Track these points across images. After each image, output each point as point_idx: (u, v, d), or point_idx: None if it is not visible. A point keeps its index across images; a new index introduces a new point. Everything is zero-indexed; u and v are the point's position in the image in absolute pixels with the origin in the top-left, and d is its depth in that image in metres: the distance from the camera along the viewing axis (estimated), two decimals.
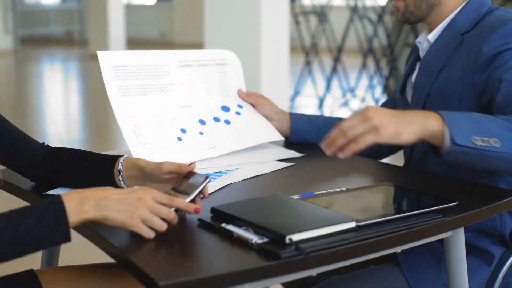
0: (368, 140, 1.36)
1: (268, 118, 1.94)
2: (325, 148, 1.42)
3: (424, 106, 1.71)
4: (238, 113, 1.87)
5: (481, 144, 1.36)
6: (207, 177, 1.35)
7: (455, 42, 1.69)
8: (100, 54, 1.68)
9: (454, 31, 1.71)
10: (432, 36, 1.75)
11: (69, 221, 1.17)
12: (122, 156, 1.47)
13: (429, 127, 1.39)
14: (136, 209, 1.21)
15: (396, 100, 1.93)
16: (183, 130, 1.73)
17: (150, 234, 1.21)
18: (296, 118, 1.96)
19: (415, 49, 1.87)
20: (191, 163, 1.40)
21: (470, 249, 1.63)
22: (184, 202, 1.28)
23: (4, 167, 1.56)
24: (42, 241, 1.16)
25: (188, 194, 1.32)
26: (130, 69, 1.71)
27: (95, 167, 1.48)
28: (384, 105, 1.99)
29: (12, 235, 1.13)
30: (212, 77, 1.88)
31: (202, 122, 1.79)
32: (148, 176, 1.41)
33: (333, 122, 1.93)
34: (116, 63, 1.69)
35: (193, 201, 1.32)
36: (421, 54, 1.80)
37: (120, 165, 1.45)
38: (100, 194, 1.21)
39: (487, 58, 1.60)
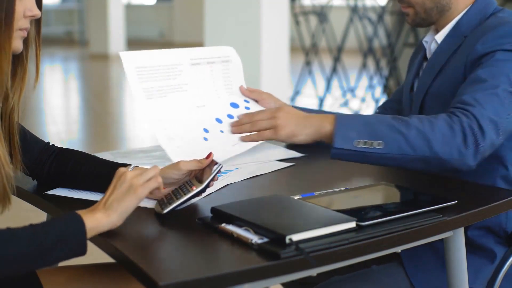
0: (266, 136, 1.57)
1: None
2: (231, 126, 1.61)
3: (422, 105, 1.73)
4: (247, 108, 1.86)
5: (362, 146, 1.47)
6: (220, 165, 1.41)
7: (457, 44, 1.70)
8: (123, 55, 1.66)
9: (459, 33, 1.71)
10: (440, 37, 1.76)
11: (86, 232, 1.20)
12: (130, 165, 1.48)
13: (322, 130, 1.53)
14: (131, 182, 1.25)
15: (397, 101, 1.93)
16: (206, 130, 1.73)
17: (158, 179, 1.29)
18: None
19: (420, 47, 1.87)
20: (209, 154, 1.44)
21: (474, 248, 1.63)
22: (155, 170, 1.31)
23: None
24: (60, 254, 1.17)
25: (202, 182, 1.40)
26: (150, 70, 1.70)
27: (101, 172, 1.48)
28: (385, 105, 1.99)
29: (37, 246, 1.14)
30: (218, 75, 1.88)
31: (219, 120, 1.77)
32: (165, 181, 1.42)
33: None
34: (138, 64, 1.67)
35: (207, 187, 1.40)
36: (428, 53, 1.80)
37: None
38: (102, 202, 1.25)
39: (478, 56, 1.61)
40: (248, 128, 1.60)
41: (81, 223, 1.19)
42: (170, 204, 1.35)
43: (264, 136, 1.57)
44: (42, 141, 1.58)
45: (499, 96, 1.52)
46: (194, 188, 1.38)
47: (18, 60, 1.41)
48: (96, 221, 1.21)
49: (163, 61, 1.75)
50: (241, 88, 1.92)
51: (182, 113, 1.72)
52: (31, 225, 1.16)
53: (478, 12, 1.71)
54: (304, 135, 1.54)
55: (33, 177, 1.57)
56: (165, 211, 1.34)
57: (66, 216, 1.20)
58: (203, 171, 1.43)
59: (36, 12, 1.35)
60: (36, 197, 1.51)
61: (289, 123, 1.54)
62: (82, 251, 1.19)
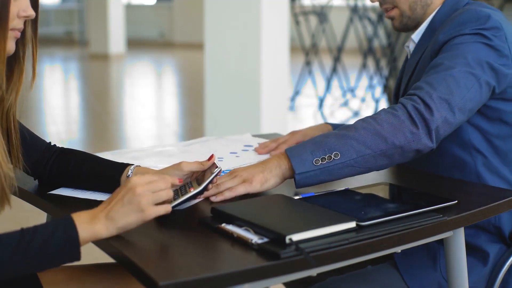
0: (240, 190, 1.46)
1: None
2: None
3: None
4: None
5: (321, 163, 1.46)
6: (219, 169, 1.40)
7: (429, 40, 1.71)
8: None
9: (433, 29, 1.73)
10: (416, 36, 1.77)
11: (80, 240, 1.17)
12: (132, 164, 1.48)
13: (282, 166, 1.49)
14: (139, 200, 1.20)
15: None
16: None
17: (168, 208, 1.23)
18: None
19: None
20: (210, 156, 1.43)
21: (466, 248, 1.63)
22: (172, 178, 1.29)
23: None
24: (52, 259, 1.16)
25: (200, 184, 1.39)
26: None
27: (103, 172, 1.48)
28: None
29: (23, 252, 1.13)
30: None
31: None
32: None
33: None
34: None
35: (205, 189, 1.39)
36: (409, 56, 1.82)
37: (130, 172, 1.46)
38: (105, 210, 1.21)
39: (439, 46, 1.62)
40: (214, 192, 1.48)
41: (75, 232, 1.16)
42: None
43: (237, 191, 1.47)
44: (44, 141, 1.58)
45: (454, 76, 1.52)
46: (192, 189, 1.37)
47: (15, 61, 1.41)
48: (94, 232, 1.18)
49: None
50: (257, 149, 1.87)
51: None
52: (22, 230, 1.15)
53: (450, 7, 1.72)
54: (273, 177, 1.49)
55: (35, 177, 1.57)
56: None
57: (61, 222, 1.18)
58: (204, 173, 1.43)
59: (31, 13, 1.35)
60: (36, 197, 1.51)
61: (255, 173, 1.48)
62: (76, 258, 1.17)
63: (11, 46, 1.35)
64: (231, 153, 1.85)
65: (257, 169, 1.49)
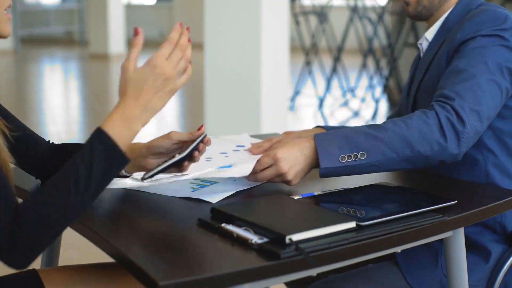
0: (280, 182, 1.53)
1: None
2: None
3: (415, 102, 1.76)
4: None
5: (347, 160, 1.49)
6: (204, 135, 1.41)
7: (443, 38, 1.72)
8: None
9: (447, 27, 1.73)
10: (429, 34, 1.77)
11: (121, 146, 1.21)
12: None
13: (312, 156, 1.52)
14: (173, 82, 1.26)
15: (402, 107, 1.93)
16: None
17: (188, 73, 1.32)
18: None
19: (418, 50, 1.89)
20: (200, 126, 1.45)
21: (469, 245, 1.63)
22: (185, 40, 1.41)
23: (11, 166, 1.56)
24: (105, 177, 1.19)
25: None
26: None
27: None
28: (393, 117, 1.99)
29: (78, 191, 1.16)
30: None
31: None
32: (156, 150, 1.44)
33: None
34: None
35: (190, 157, 1.40)
36: (421, 54, 1.81)
37: None
38: (139, 106, 1.24)
39: (457, 45, 1.64)
40: (254, 180, 1.55)
41: (112, 145, 1.20)
42: (151, 171, 1.36)
43: (275, 182, 1.55)
44: (44, 139, 1.58)
45: (480, 85, 1.55)
46: (177, 155, 1.38)
47: None
48: (133, 133, 1.24)
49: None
50: (250, 149, 1.84)
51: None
52: (65, 168, 1.18)
53: (464, 8, 1.73)
54: (307, 172, 1.55)
55: (36, 176, 1.57)
56: (146, 176, 1.35)
57: (95, 140, 1.22)
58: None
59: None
60: None
61: (297, 173, 1.52)
62: (126, 162, 1.22)
63: (8, 29, 1.36)
64: (221, 153, 1.84)
65: (298, 168, 1.51)
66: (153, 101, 1.24)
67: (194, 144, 1.39)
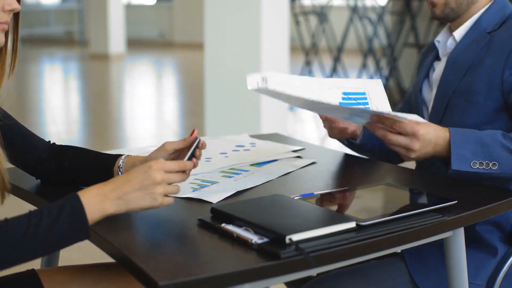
0: (397, 150, 1.53)
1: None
2: (370, 126, 1.54)
3: (448, 103, 1.73)
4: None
5: (478, 167, 1.51)
6: (198, 139, 1.41)
7: (482, 41, 1.71)
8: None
9: (480, 30, 1.73)
10: (459, 35, 1.76)
11: (88, 218, 1.19)
12: (123, 155, 1.50)
13: (438, 150, 1.53)
14: (156, 189, 1.24)
15: (411, 103, 1.92)
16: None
17: (171, 200, 1.27)
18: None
19: (430, 48, 1.87)
20: (193, 131, 1.44)
21: (478, 243, 1.64)
22: (190, 163, 1.33)
23: (11, 167, 1.57)
24: (62, 240, 1.18)
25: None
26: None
27: (96, 164, 1.50)
28: (400, 111, 1.98)
29: (32, 236, 1.14)
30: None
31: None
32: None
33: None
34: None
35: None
36: (442, 52, 1.81)
37: (121, 161, 1.48)
38: (118, 190, 1.23)
39: None
40: (381, 135, 1.53)
41: (82, 212, 1.18)
42: None
43: (395, 148, 1.54)
44: (43, 140, 1.58)
45: None
46: None
47: None
48: (102, 210, 1.21)
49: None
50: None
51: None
52: (29, 213, 1.16)
53: (498, 11, 1.74)
54: (429, 158, 1.56)
55: (36, 176, 1.57)
56: None
57: (67, 203, 1.19)
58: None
59: (15, 6, 1.36)
60: (36, 197, 1.51)
61: (419, 155, 1.53)
62: (86, 237, 1.19)
63: (0, 39, 1.36)
64: (220, 153, 1.84)
65: (428, 149, 1.52)
66: (131, 195, 1.23)
67: (190, 152, 1.39)
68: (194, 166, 1.39)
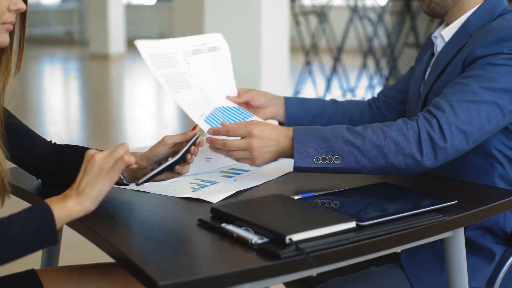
0: (242, 162, 1.56)
1: (264, 106, 1.92)
2: (207, 140, 1.57)
3: (425, 102, 1.73)
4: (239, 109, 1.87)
5: (321, 162, 1.52)
6: (196, 136, 1.41)
7: (462, 42, 1.68)
8: (138, 43, 1.70)
9: (466, 31, 1.69)
10: (447, 33, 1.74)
11: (56, 220, 1.18)
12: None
13: (281, 150, 1.54)
14: (100, 164, 1.22)
15: (399, 90, 1.92)
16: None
17: (131, 159, 1.24)
18: (290, 103, 1.95)
19: (429, 42, 1.86)
20: (194, 127, 1.45)
21: (473, 247, 1.63)
22: (123, 148, 1.27)
23: (11, 167, 1.57)
24: (31, 244, 1.17)
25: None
26: (158, 57, 1.71)
27: None
28: (385, 92, 1.97)
29: (0, 241, 1.14)
30: (208, 65, 1.87)
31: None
32: (154, 158, 1.44)
33: (326, 106, 1.95)
34: (151, 52, 1.69)
35: (183, 159, 1.40)
36: (435, 49, 1.79)
37: None
38: (73, 187, 1.23)
39: (475, 58, 1.59)
40: (224, 154, 1.57)
41: (49, 213, 1.18)
42: (145, 175, 1.36)
43: (240, 161, 1.57)
44: (45, 139, 1.58)
45: (478, 106, 1.52)
46: (170, 159, 1.38)
47: (2, 51, 1.42)
48: (68, 209, 1.20)
49: (171, 49, 1.76)
50: (229, 98, 1.90)
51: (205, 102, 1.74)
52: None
53: (487, 12, 1.68)
54: (274, 159, 1.57)
55: (37, 176, 1.57)
56: (140, 181, 1.35)
57: (35, 206, 1.19)
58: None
59: (21, 6, 1.36)
60: (37, 197, 1.51)
61: (263, 155, 1.53)
62: (53, 241, 1.19)
63: (4, 39, 1.37)
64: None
65: (268, 149, 1.53)
66: (83, 185, 1.21)
67: (186, 147, 1.40)
68: (188, 162, 1.39)
